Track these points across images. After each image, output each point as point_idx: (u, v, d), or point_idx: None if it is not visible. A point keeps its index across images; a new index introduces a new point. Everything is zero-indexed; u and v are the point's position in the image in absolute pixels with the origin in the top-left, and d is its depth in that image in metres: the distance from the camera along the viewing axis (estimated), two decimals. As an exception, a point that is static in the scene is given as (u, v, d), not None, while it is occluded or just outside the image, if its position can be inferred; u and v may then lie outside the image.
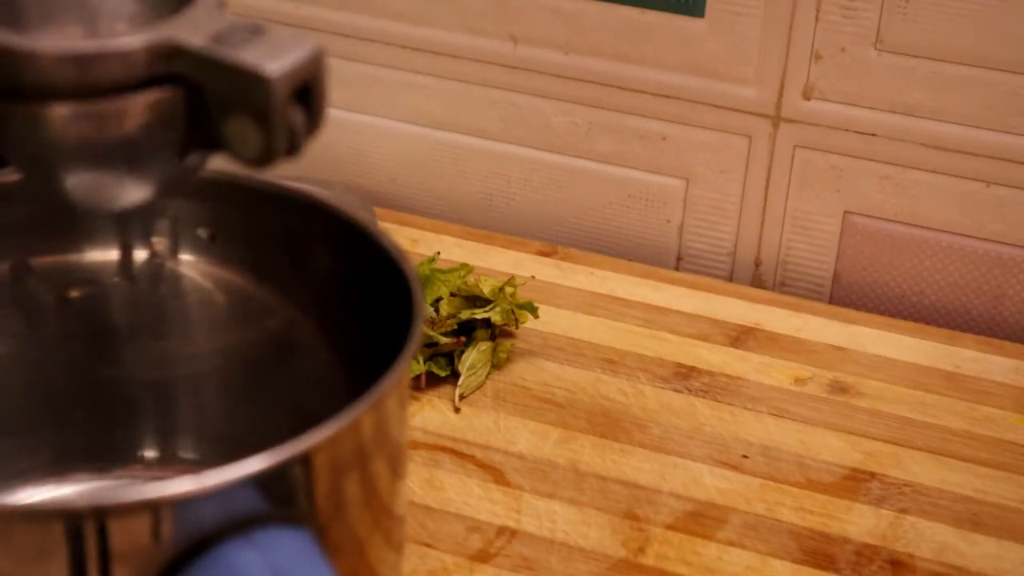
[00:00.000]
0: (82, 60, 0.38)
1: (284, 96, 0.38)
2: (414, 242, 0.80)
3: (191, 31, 0.39)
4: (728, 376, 0.70)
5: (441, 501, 0.61)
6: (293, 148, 0.40)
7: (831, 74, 0.76)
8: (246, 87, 0.38)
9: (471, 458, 0.64)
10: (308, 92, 0.40)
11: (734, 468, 0.64)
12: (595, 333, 0.73)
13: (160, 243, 0.54)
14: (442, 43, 0.82)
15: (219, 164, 0.51)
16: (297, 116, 0.39)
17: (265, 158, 0.39)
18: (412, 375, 0.66)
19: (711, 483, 0.63)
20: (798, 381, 0.70)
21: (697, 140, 0.80)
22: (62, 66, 0.37)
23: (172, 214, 0.53)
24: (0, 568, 0.38)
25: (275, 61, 0.38)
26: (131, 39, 0.38)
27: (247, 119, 0.39)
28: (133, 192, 0.41)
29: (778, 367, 0.71)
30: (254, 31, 0.39)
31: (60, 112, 0.38)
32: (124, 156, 0.40)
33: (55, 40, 0.38)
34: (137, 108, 0.39)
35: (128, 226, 0.53)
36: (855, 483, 0.63)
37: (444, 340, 0.68)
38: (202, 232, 0.53)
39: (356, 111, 0.85)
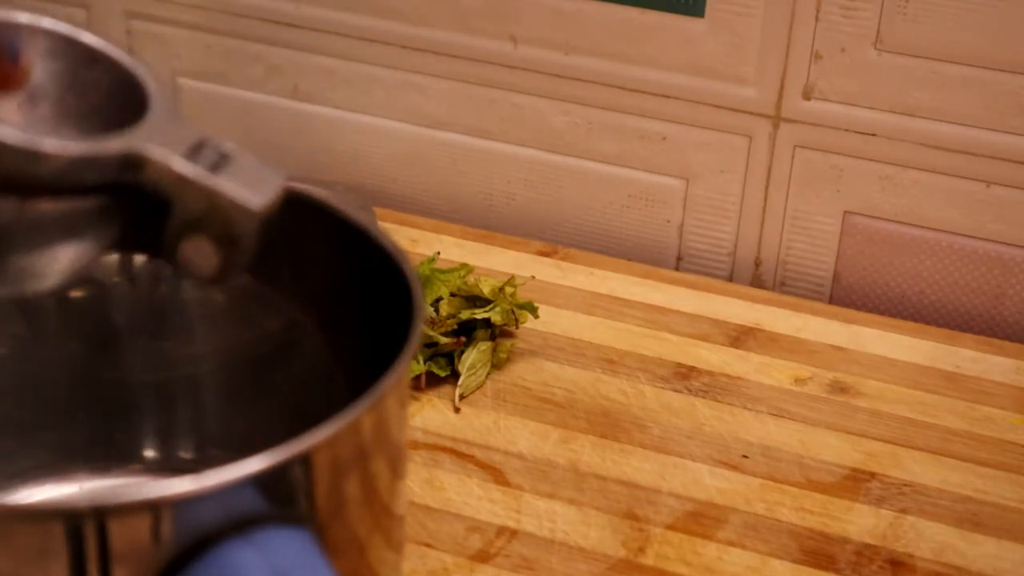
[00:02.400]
0: (75, 162, 0.38)
1: (257, 226, 0.40)
2: (414, 242, 0.80)
3: (162, 144, 0.39)
4: (728, 376, 0.70)
5: (441, 501, 0.61)
6: (240, 272, 0.41)
7: (831, 74, 0.76)
8: (226, 214, 0.39)
9: (471, 458, 0.64)
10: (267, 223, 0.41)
11: (734, 468, 0.64)
12: (595, 333, 0.73)
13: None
14: (442, 43, 0.82)
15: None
16: (253, 244, 0.40)
17: (218, 279, 0.40)
18: (412, 375, 0.66)
19: (711, 483, 0.63)
20: (798, 381, 0.70)
21: (697, 140, 0.80)
22: (69, 167, 0.38)
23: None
24: (0, 568, 0.38)
25: (258, 194, 0.39)
26: (112, 144, 0.38)
27: (209, 241, 0.39)
28: (43, 281, 0.41)
29: (778, 367, 0.71)
30: (222, 152, 0.39)
31: (43, 207, 0.39)
32: (64, 247, 0.40)
33: (60, 141, 0.38)
34: (96, 209, 0.39)
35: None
36: (855, 483, 0.63)
37: (444, 340, 0.68)
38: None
39: (356, 111, 0.85)
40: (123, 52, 0.41)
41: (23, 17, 0.41)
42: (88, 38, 0.41)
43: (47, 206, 0.39)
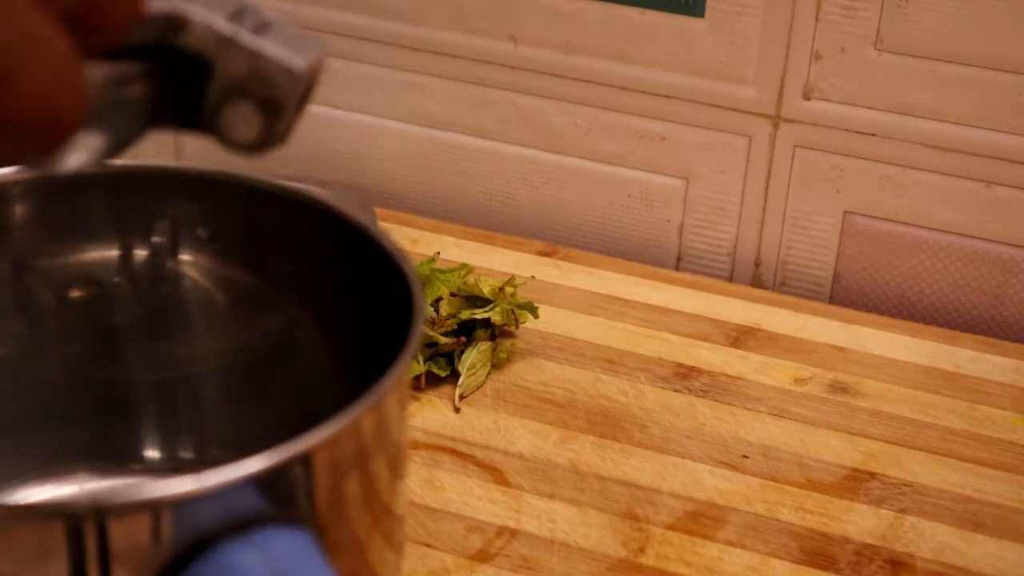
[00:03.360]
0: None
1: (300, 91, 0.39)
2: (414, 242, 0.80)
3: (206, 8, 0.39)
4: (728, 376, 0.70)
5: (441, 501, 0.61)
6: (283, 141, 0.40)
7: (831, 74, 0.76)
8: (268, 76, 0.39)
9: (471, 458, 0.64)
10: (306, 91, 0.40)
11: (734, 468, 0.64)
12: (595, 333, 0.73)
13: (160, 243, 0.54)
14: (442, 43, 0.82)
15: (219, 164, 0.51)
16: (298, 111, 0.40)
17: (259, 146, 0.40)
18: (412, 375, 0.66)
19: (711, 483, 0.63)
20: (798, 381, 0.70)
21: (697, 140, 0.80)
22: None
23: (172, 214, 0.53)
24: (0, 568, 0.38)
25: (300, 56, 0.39)
26: (157, 4, 0.38)
27: (251, 106, 0.39)
28: (85, 154, 0.40)
29: (778, 367, 0.71)
30: (263, 20, 0.39)
31: (91, 71, 0.38)
32: (104, 118, 0.40)
33: None
34: (138, 73, 0.39)
35: (128, 226, 0.53)
36: (855, 483, 0.63)
37: (444, 340, 0.68)
38: (202, 232, 0.53)
39: (356, 111, 0.85)
40: None
41: None
42: None
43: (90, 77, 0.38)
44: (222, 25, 0.39)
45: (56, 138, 0.32)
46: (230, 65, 0.39)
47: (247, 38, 0.39)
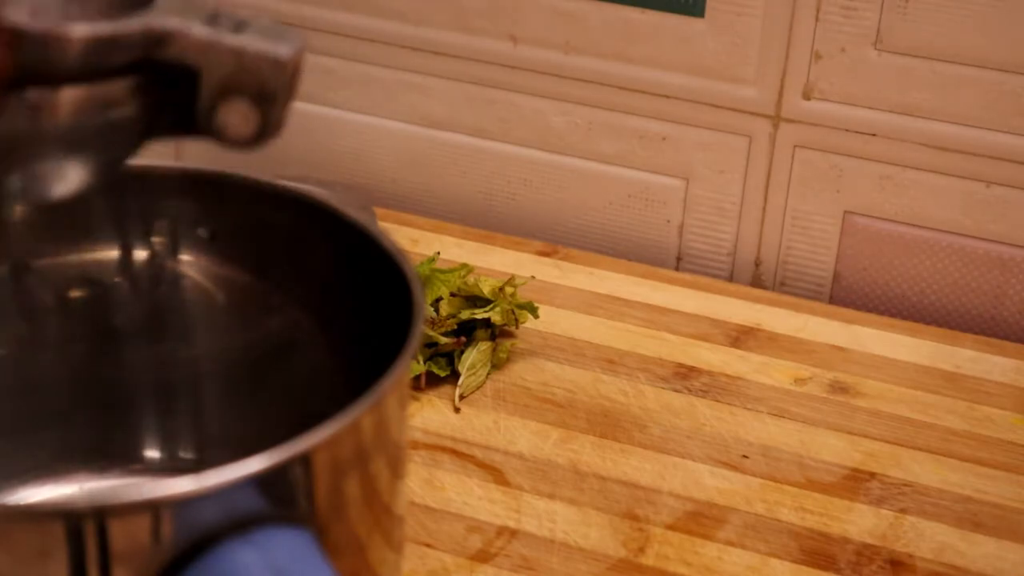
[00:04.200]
0: (100, 44, 0.38)
1: (289, 78, 0.40)
2: (414, 242, 0.80)
3: (182, 18, 0.39)
4: (728, 376, 0.70)
5: (441, 501, 0.61)
6: (280, 131, 0.41)
7: (831, 74, 0.76)
8: (256, 70, 0.39)
9: (471, 458, 0.64)
10: (293, 78, 0.41)
11: (734, 468, 0.64)
12: (595, 333, 0.73)
13: (160, 243, 0.54)
14: (442, 43, 0.82)
15: (219, 164, 0.51)
16: (288, 100, 0.41)
17: (258, 140, 0.41)
18: (412, 375, 0.66)
19: (711, 483, 0.63)
20: (798, 381, 0.70)
21: (697, 140, 0.80)
22: (85, 50, 0.38)
23: (172, 214, 0.53)
24: (0, 568, 0.38)
25: (283, 45, 0.40)
26: (133, 23, 0.38)
27: (246, 101, 0.40)
28: (72, 182, 0.41)
29: (778, 367, 0.71)
30: (238, 19, 0.40)
31: (69, 97, 0.38)
32: (96, 141, 0.40)
33: (71, 22, 0.38)
34: (124, 93, 0.39)
35: (128, 226, 0.53)
36: (855, 483, 0.63)
37: (444, 340, 0.68)
38: (202, 232, 0.53)
39: (356, 111, 0.85)
40: None
41: None
42: None
43: (68, 103, 0.38)
44: (202, 31, 0.39)
45: None
46: (218, 67, 0.40)
47: (229, 38, 0.39)
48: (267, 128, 0.41)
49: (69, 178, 0.40)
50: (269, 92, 0.40)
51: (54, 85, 0.38)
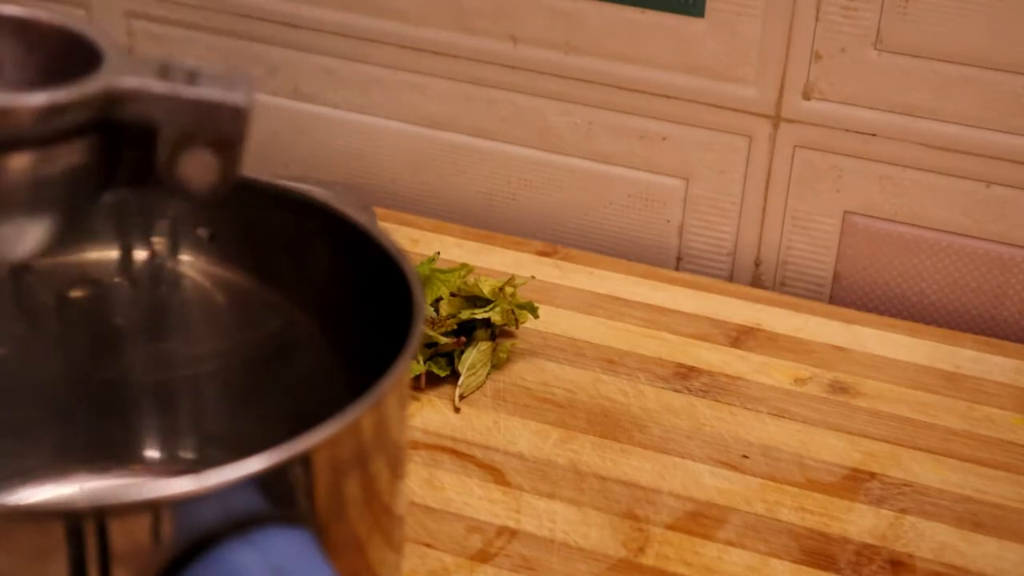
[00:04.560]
0: (56, 110, 0.38)
1: (246, 124, 0.41)
2: (414, 242, 0.80)
3: (138, 76, 0.40)
4: (728, 376, 0.70)
5: (441, 501, 0.61)
6: (237, 176, 0.41)
7: (831, 74, 0.76)
8: (214, 118, 0.40)
9: (471, 458, 0.64)
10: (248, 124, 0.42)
11: (734, 468, 0.64)
12: (595, 333, 0.73)
13: (160, 243, 0.54)
14: (442, 43, 0.82)
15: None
16: (244, 143, 0.41)
17: (220, 187, 0.41)
18: (412, 375, 0.66)
19: (711, 483, 0.63)
20: (798, 381, 0.70)
21: (697, 140, 0.80)
22: (41, 117, 0.38)
23: (172, 214, 0.53)
24: (0, 568, 0.38)
25: (237, 92, 0.40)
26: (89, 86, 0.39)
27: (206, 150, 0.40)
28: (32, 242, 0.41)
29: (778, 367, 0.71)
30: (189, 69, 0.41)
31: (21, 161, 0.39)
32: (53, 200, 0.40)
33: (30, 92, 0.38)
34: (77, 153, 0.39)
35: (128, 226, 0.53)
36: (855, 483, 0.63)
37: (444, 340, 0.68)
38: (202, 232, 0.53)
39: (356, 111, 0.85)
40: (55, 13, 0.42)
41: None
42: (11, 10, 0.42)
43: (21, 167, 0.39)
44: (160, 87, 0.40)
45: None
46: (177, 120, 0.40)
47: (186, 91, 0.40)
48: (227, 175, 0.41)
49: (28, 238, 0.40)
50: (228, 139, 0.40)
51: (6, 151, 0.38)
